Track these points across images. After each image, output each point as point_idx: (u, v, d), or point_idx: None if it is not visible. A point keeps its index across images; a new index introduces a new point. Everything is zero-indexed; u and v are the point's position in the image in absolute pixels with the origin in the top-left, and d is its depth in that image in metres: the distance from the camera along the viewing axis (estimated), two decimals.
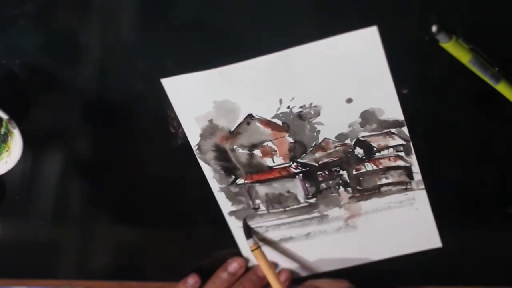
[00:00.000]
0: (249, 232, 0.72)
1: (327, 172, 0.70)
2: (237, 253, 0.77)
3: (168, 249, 0.80)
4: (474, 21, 0.57)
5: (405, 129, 0.65)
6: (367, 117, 0.65)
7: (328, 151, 0.68)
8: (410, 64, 0.61)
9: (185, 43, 0.62)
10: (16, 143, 0.66)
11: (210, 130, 0.68)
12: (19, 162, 0.68)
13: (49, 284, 0.84)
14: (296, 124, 0.66)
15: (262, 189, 0.72)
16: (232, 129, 0.68)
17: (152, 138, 0.70)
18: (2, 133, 0.68)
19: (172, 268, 0.81)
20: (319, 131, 0.67)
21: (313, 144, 0.68)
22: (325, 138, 0.67)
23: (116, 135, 0.71)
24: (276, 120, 0.66)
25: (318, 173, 0.70)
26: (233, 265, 0.77)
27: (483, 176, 0.68)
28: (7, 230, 0.80)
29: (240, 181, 0.72)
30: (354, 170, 0.69)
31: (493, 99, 0.60)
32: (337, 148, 0.68)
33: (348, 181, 0.70)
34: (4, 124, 0.67)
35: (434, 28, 0.55)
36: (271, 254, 0.77)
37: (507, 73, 0.58)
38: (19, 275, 0.84)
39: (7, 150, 0.68)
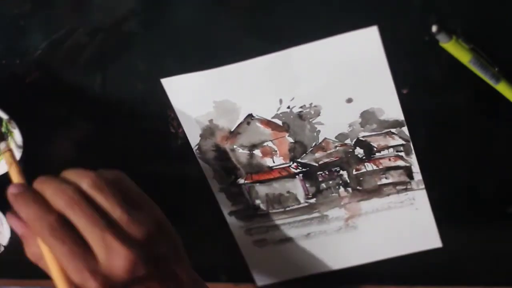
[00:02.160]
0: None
1: (327, 172, 0.69)
2: (237, 252, 0.77)
3: None
4: (474, 21, 0.56)
5: (405, 129, 0.64)
6: (367, 117, 0.64)
7: (328, 151, 0.68)
8: (410, 64, 0.60)
9: (185, 43, 0.62)
10: (16, 143, 0.66)
11: (210, 130, 0.67)
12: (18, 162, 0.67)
13: (49, 284, 0.78)
14: (296, 124, 0.66)
15: (262, 189, 0.71)
16: (232, 129, 0.67)
17: (153, 138, 0.69)
18: (2, 133, 0.67)
19: None
20: (319, 131, 0.66)
21: (313, 144, 0.67)
22: (325, 138, 0.67)
23: (116, 135, 0.70)
24: (276, 120, 0.66)
25: (318, 173, 0.69)
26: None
27: (483, 176, 0.67)
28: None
29: (240, 181, 0.71)
30: (354, 170, 0.69)
31: (493, 99, 0.60)
32: (337, 148, 0.67)
33: (348, 181, 0.70)
34: (4, 124, 0.66)
35: (434, 28, 0.55)
36: (271, 254, 0.76)
37: (507, 73, 0.58)
38: (19, 275, 0.84)
39: None
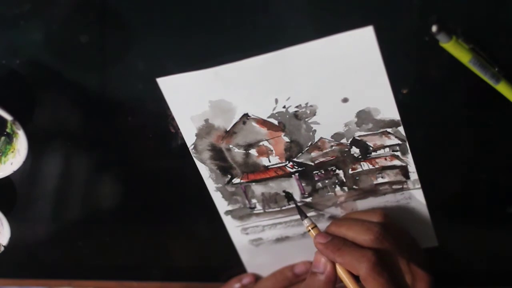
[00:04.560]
0: (302, 212, 0.67)
1: (323, 172, 0.67)
2: (233, 252, 0.75)
3: (166, 248, 0.78)
4: (474, 21, 0.54)
5: (401, 129, 0.62)
6: (363, 116, 0.62)
7: (324, 151, 0.65)
8: (410, 64, 0.58)
9: (181, 43, 0.59)
10: (21, 144, 0.65)
11: (206, 129, 0.65)
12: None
13: (49, 284, 0.83)
14: (292, 123, 0.63)
15: (258, 189, 0.69)
16: (228, 129, 0.65)
17: (152, 138, 0.67)
18: (7, 134, 0.66)
19: (171, 267, 0.79)
20: (315, 130, 0.64)
21: (309, 143, 0.65)
22: (321, 138, 0.64)
23: (117, 135, 0.68)
24: (272, 120, 0.64)
25: (314, 172, 0.67)
26: (301, 268, 0.74)
27: (480, 175, 0.65)
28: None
29: (236, 180, 0.69)
30: (350, 170, 0.66)
31: (493, 99, 0.57)
32: (333, 147, 0.65)
33: (344, 180, 0.67)
34: (9, 125, 0.65)
35: (434, 28, 0.52)
36: (268, 253, 0.74)
37: (507, 73, 0.56)
38: (19, 275, 0.83)
39: (12, 151, 0.66)
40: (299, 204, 0.69)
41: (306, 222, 0.66)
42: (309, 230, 0.65)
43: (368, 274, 0.59)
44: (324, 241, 0.62)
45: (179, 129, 0.65)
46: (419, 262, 0.63)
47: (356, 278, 0.62)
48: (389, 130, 0.62)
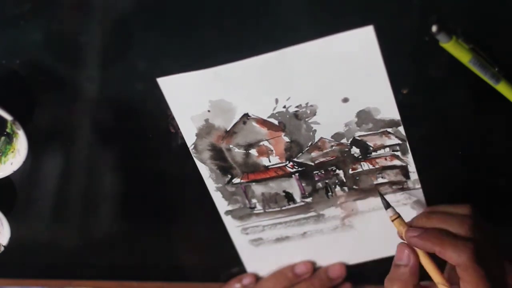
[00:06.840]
0: (386, 202, 0.64)
1: (323, 172, 0.67)
2: (233, 252, 0.75)
3: (167, 248, 0.78)
4: (474, 21, 0.54)
5: (401, 129, 0.62)
6: (363, 116, 0.62)
7: (324, 151, 0.65)
8: (410, 64, 0.58)
9: (181, 43, 0.59)
10: (21, 144, 0.64)
11: (206, 129, 0.65)
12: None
13: (49, 284, 0.82)
14: (292, 123, 0.63)
15: (258, 189, 0.69)
16: (228, 129, 0.65)
17: (152, 138, 0.67)
18: (7, 134, 0.65)
19: (172, 267, 0.79)
20: (315, 130, 0.64)
21: (309, 143, 0.65)
22: (321, 138, 0.64)
23: (117, 135, 0.68)
24: (272, 120, 0.63)
25: (314, 172, 0.67)
26: (301, 268, 0.74)
27: (480, 175, 0.65)
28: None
29: (236, 180, 0.69)
30: (350, 170, 0.66)
31: (493, 99, 0.57)
32: (333, 147, 0.65)
33: (345, 180, 0.67)
34: (9, 125, 0.64)
35: (434, 28, 0.52)
36: (268, 253, 0.74)
37: (507, 73, 0.56)
38: (19, 275, 0.82)
39: (12, 151, 0.66)
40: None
41: (389, 212, 0.63)
42: (393, 221, 0.63)
43: (469, 265, 0.57)
44: (417, 234, 0.60)
45: (179, 129, 0.65)
46: (506, 254, 0.62)
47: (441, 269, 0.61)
48: (389, 130, 0.62)
